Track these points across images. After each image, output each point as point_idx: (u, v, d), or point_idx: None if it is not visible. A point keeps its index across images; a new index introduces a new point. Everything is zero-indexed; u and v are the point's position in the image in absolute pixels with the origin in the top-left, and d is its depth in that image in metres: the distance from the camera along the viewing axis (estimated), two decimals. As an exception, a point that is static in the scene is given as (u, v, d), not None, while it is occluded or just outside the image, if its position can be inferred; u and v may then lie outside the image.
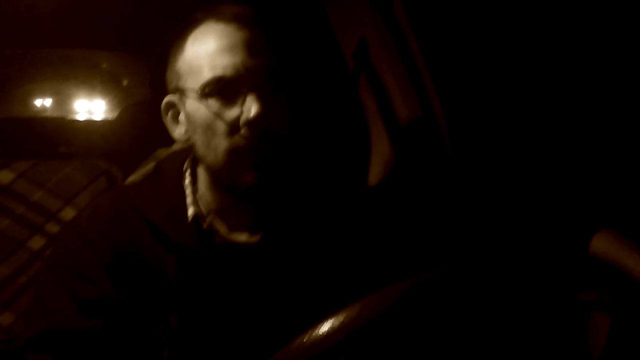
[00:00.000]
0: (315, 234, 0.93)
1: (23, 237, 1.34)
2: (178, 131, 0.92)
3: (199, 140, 0.88)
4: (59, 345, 0.83)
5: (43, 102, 2.16)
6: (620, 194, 1.08)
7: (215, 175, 0.89)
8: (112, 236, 0.89)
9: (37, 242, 1.35)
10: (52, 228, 1.36)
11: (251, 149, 0.85)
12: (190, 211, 0.91)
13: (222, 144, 0.85)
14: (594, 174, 1.12)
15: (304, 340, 0.62)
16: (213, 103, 0.85)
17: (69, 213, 1.36)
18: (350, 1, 1.29)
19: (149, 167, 1.14)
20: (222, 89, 0.85)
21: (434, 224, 1.01)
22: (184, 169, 0.96)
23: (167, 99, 0.93)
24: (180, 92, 0.89)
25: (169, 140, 1.19)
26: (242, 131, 0.84)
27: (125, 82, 2.12)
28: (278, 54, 0.88)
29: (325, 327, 0.62)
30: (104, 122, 2.01)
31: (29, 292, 1.32)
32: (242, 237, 0.92)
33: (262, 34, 0.87)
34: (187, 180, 0.94)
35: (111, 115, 2.13)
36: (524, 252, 0.95)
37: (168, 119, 0.93)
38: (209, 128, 0.86)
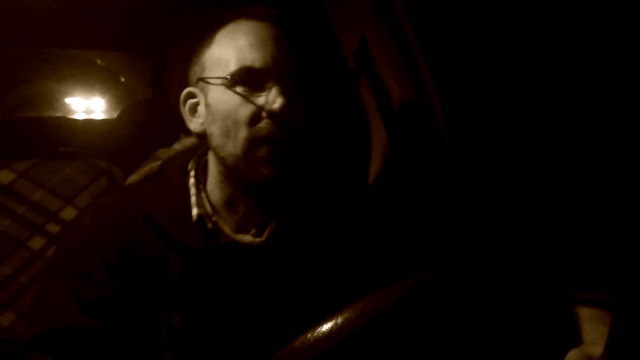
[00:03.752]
0: (319, 234, 0.93)
1: (23, 237, 1.34)
2: (195, 122, 0.93)
3: (217, 131, 0.89)
4: (62, 345, 0.83)
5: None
6: (620, 193, 1.09)
7: (230, 168, 0.89)
8: (116, 236, 0.89)
9: (37, 242, 1.34)
10: (53, 228, 1.35)
11: (271, 140, 0.86)
12: (195, 211, 0.91)
13: (242, 132, 0.86)
14: (594, 173, 1.12)
15: (307, 338, 0.62)
16: (239, 91, 0.87)
17: (69, 213, 1.36)
18: (350, 0, 1.29)
19: (149, 166, 1.14)
20: (249, 79, 0.87)
21: (435, 223, 1.01)
22: (189, 169, 0.96)
23: (188, 90, 0.93)
24: (204, 82, 0.90)
25: (169, 140, 1.20)
26: (265, 121, 0.86)
27: (123, 79, 2.11)
28: (302, 54, 0.91)
29: (327, 326, 0.62)
30: (104, 122, 2.01)
31: (29, 292, 1.32)
32: (246, 237, 0.92)
33: (289, 34, 0.91)
34: (192, 181, 0.94)
35: (110, 114, 2.13)
36: (524, 251, 0.95)
37: (186, 110, 0.94)
38: (230, 116, 0.87)
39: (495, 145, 1.20)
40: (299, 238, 0.92)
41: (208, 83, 0.90)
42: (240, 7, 0.92)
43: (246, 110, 0.86)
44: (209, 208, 0.93)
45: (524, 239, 0.96)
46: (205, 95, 0.91)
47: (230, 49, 0.88)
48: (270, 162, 0.86)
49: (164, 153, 1.18)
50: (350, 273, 0.91)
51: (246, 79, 0.87)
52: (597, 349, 0.74)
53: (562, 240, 0.93)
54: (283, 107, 0.85)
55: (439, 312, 0.67)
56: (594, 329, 0.76)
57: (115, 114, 1.90)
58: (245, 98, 0.87)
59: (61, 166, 1.39)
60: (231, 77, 0.87)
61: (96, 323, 0.84)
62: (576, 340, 0.76)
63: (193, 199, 0.92)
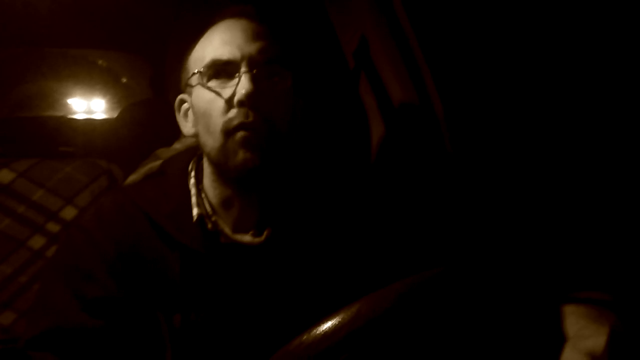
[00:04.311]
0: (317, 233, 0.93)
1: (23, 237, 1.34)
2: (187, 126, 0.95)
3: (201, 129, 0.91)
4: (62, 344, 0.84)
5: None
6: (620, 193, 1.08)
7: (215, 163, 0.90)
8: (117, 236, 0.89)
9: (37, 242, 1.35)
10: (53, 227, 1.36)
11: (242, 127, 0.86)
12: (195, 211, 0.91)
13: (217, 125, 0.87)
14: (593, 173, 1.12)
15: (304, 339, 0.62)
16: (212, 85, 0.89)
17: (69, 212, 1.36)
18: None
19: (149, 166, 1.14)
20: (219, 72, 0.89)
21: (434, 223, 1.01)
22: (189, 169, 0.97)
23: (179, 97, 0.96)
24: (188, 85, 0.93)
25: (169, 139, 1.20)
26: (235, 110, 0.86)
27: (124, 80, 2.12)
28: (277, 44, 0.91)
29: (325, 326, 0.62)
30: (104, 121, 2.01)
31: (29, 292, 1.32)
32: (246, 237, 0.92)
33: (263, 26, 0.91)
34: (192, 181, 0.95)
35: (111, 115, 2.13)
36: (523, 251, 0.95)
37: (180, 116, 0.97)
38: (207, 112, 0.89)
39: (495, 145, 1.20)
40: (297, 237, 0.92)
41: (191, 86, 0.92)
42: (221, 10, 0.93)
43: (219, 102, 0.88)
44: (208, 208, 0.93)
45: (523, 239, 0.96)
46: (191, 97, 0.93)
47: (205, 49, 0.91)
48: (245, 147, 0.86)
49: (165, 152, 1.18)
50: (350, 272, 0.91)
51: (217, 73, 0.89)
52: (598, 348, 0.73)
53: (561, 240, 0.93)
54: (250, 93, 0.85)
55: (437, 312, 0.67)
56: (594, 328, 0.75)
57: (115, 115, 1.91)
58: (218, 91, 0.88)
59: (61, 166, 1.39)
60: (203, 73, 0.89)
61: (97, 322, 0.84)
62: (576, 338, 0.76)
63: (193, 199, 0.92)
